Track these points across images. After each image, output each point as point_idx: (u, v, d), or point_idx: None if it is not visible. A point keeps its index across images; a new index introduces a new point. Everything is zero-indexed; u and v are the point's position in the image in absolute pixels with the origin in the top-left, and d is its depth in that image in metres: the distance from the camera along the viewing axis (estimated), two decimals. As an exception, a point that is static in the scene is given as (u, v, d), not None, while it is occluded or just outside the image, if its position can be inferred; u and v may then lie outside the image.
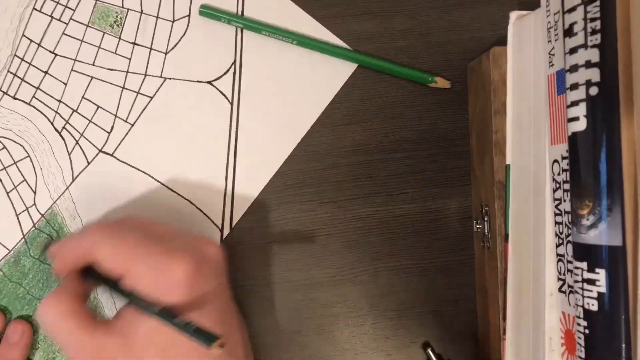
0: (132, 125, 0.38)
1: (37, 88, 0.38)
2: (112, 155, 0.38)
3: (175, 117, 0.38)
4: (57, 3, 0.38)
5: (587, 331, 0.24)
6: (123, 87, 0.38)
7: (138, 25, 0.38)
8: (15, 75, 0.38)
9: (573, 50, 0.25)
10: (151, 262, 0.28)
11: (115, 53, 0.38)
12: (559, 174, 0.27)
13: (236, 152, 0.38)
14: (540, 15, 0.29)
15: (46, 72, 0.38)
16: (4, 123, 0.38)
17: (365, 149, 0.39)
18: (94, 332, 0.28)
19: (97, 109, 0.38)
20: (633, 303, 0.23)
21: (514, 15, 0.33)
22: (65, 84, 0.38)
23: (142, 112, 0.38)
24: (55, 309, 0.29)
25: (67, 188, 0.38)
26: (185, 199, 0.38)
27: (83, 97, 0.38)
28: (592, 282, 0.24)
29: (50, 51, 0.38)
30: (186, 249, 0.30)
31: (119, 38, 0.38)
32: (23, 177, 0.38)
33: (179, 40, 0.38)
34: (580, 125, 0.24)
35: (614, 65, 0.23)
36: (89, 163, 0.38)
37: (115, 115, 0.38)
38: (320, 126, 0.39)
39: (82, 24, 0.38)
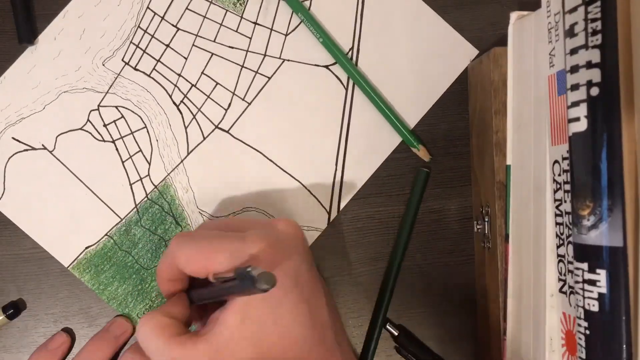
0: (249, 104, 0.38)
1: (158, 61, 0.38)
2: (227, 132, 0.38)
3: (291, 99, 0.39)
4: None
5: (587, 332, 0.24)
6: (242, 66, 0.39)
7: (260, 5, 0.39)
8: (137, 46, 0.38)
9: (574, 51, 0.25)
10: (228, 251, 0.29)
11: (236, 31, 0.39)
12: (559, 175, 0.27)
13: (348, 138, 0.39)
14: (540, 15, 0.29)
15: (168, 46, 0.38)
16: (124, 93, 0.38)
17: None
18: (185, 344, 0.28)
19: (216, 85, 0.38)
20: (634, 304, 0.23)
21: (514, 15, 0.33)
22: (186, 59, 0.38)
23: (259, 92, 0.39)
24: (147, 326, 0.29)
25: (182, 161, 0.38)
26: (296, 179, 0.38)
27: (202, 73, 0.38)
28: (592, 282, 0.24)
29: (173, 25, 0.38)
30: (260, 230, 0.30)
31: (241, 17, 0.39)
32: (139, 147, 0.38)
33: (299, 24, 0.39)
34: (581, 125, 0.24)
35: (614, 66, 0.23)
36: (204, 138, 0.38)
37: (233, 93, 0.38)
38: (321, 126, 0.39)
39: (206, 0, 0.39)
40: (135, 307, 0.38)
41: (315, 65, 0.39)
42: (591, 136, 0.24)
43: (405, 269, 0.39)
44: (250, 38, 0.39)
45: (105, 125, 0.38)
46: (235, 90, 0.38)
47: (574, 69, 0.25)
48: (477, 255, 0.38)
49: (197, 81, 0.38)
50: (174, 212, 0.38)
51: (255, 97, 0.39)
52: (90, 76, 0.38)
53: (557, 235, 0.28)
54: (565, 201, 0.27)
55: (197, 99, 0.38)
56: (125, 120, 0.38)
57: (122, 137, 0.38)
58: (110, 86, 0.38)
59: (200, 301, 0.31)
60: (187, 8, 0.39)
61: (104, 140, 0.38)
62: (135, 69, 0.38)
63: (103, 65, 0.38)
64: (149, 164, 0.38)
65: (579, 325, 0.25)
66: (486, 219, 0.36)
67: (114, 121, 0.38)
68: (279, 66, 0.39)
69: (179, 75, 0.38)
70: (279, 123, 0.39)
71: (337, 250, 0.39)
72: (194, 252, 0.29)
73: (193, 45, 0.38)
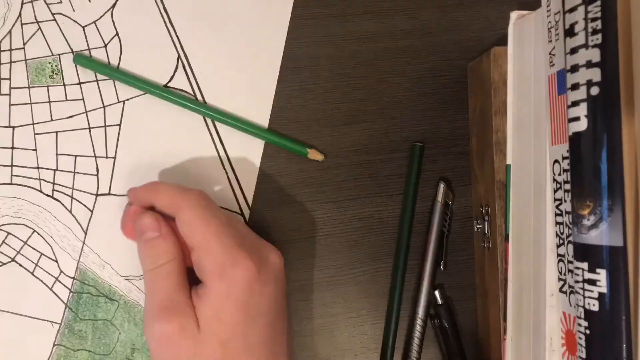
0: (115, 158, 0.38)
1: (12, 165, 0.38)
2: (109, 194, 0.38)
3: (152, 133, 0.38)
4: None
5: (587, 331, 0.24)
6: (89, 127, 0.38)
7: (76, 67, 0.38)
8: None
9: (574, 50, 0.25)
10: (223, 250, 0.30)
11: (67, 100, 0.38)
12: (559, 174, 0.27)
13: (224, 145, 0.39)
14: (540, 15, 0.29)
15: (12, 148, 0.38)
16: None
17: (365, 149, 0.39)
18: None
19: (75, 158, 0.38)
20: (634, 303, 0.23)
21: (514, 15, 0.33)
22: (35, 150, 0.38)
23: (117, 143, 0.38)
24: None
25: (84, 243, 0.38)
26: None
27: (57, 154, 0.38)
28: (592, 282, 0.24)
29: (6, 126, 0.38)
30: (253, 251, 0.31)
31: (64, 84, 0.38)
32: (39, 252, 0.37)
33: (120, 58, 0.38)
34: (581, 125, 0.24)
35: (615, 65, 0.23)
36: (92, 211, 0.38)
37: (95, 156, 0.38)
38: (320, 126, 0.39)
39: (23, 87, 0.38)
40: None
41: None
42: (591, 135, 0.24)
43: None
44: (83, 98, 0.38)
45: None
46: (95, 153, 0.38)
47: (574, 69, 0.25)
48: (477, 254, 0.38)
49: (57, 164, 0.38)
50: (102, 292, 0.37)
51: (116, 149, 0.38)
52: None
53: (557, 235, 0.28)
54: (565, 201, 0.27)
55: (65, 180, 0.38)
56: (14, 235, 0.37)
57: (19, 252, 0.37)
58: None
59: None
60: (10, 104, 0.38)
61: (3, 264, 0.37)
62: None
63: None
64: (57, 262, 0.37)
65: (579, 324, 0.25)
66: (486, 219, 0.36)
67: (3, 241, 0.37)
68: (122, 109, 0.38)
69: (37, 167, 0.38)
70: (151, 160, 0.38)
71: (337, 250, 0.39)
72: (202, 225, 0.31)
73: (35, 134, 0.38)
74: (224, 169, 0.38)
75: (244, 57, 0.39)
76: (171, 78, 0.38)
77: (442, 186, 0.38)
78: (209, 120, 0.38)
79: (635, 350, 0.23)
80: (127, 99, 0.38)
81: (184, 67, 0.38)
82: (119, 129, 0.38)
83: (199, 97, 0.38)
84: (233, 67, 0.39)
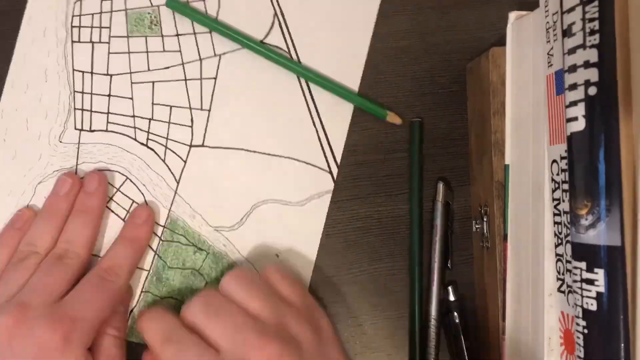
0: (209, 110, 0.38)
1: (108, 113, 0.38)
2: (203, 145, 0.38)
3: (246, 87, 0.39)
4: (92, 27, 0.38)
5: (586, 331, 0.25)
6: (185, 79, 0.38)
7: (174, 15, 0.39)
8: (82, 110, 0.38)
9: (572, 51, 0.25)
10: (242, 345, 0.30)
11: (164, 51, 0.39)
12: (557, 174, 0.27)
13: (313, 97, 0.39)
14: (539, 15, 0.29)
15: (109, 95, 0.38)
16: (92, 157, 0.38)
17: (365, 149, 0.39)
18: None
19: (171, 109, 0.38)
20: (632, 303, 0.23)
21: (513, 15, 0.33)
22: (131, 98, 0.38)
23: (212, 95, 0.38)
24: None
25: (176, 192, 0.38)
26: (286, 157, 0.38)
27: (153, 104, 0.38)
28: (591, 282, 0.24)
29: (104, 74, 0.38)
30: (277, 332, 0.30)
31: (162, 35, 0.38)
32: (131, 199, 0.38)
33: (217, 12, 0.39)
34: (579, 125, 0.24)
35: (612, 66, 0.23)
36: (185, 161, 0.38)
37: (190, 108, 0.38)
38: (320, 126, 0.39)
39: (122, 37, 0.38)
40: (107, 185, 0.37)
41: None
42: (589, 135, 0.24)
43: (404, 268, 0.39)
44: (180, 50, 0.38)
45: None
46: (190, 104, 0.38)
47: (572, 69, 0.25)
48: (476, 254, 0.38)
49: (152, 113, 0.38)
50: (192, 241, 0.38)
51: (211, 102, 0.38)
52: (54, 157, 0.38)
53: (555, 235, 0.28)
54: (563, 200, 0.27)
55: (160, 129, 0.38)
56: (107, 181, 0.38)
57: (111, 198, 0.38)
58: (77, 157, 0.38)
59: None
60: (109, 52, 0.38)
61: None
62: (91, 131, 0.38)
63: (60, 142, 0.38)
64: None
65: (578, 324, 0.25)
66: (485, 219, 0.36)
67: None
68: (218, 62, 0.39)
69: (133, 116, 0.38)
70: (244, 114, 0.39)
71: (337, 250, 0.39)
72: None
73: (132, 83, 0.38)
74: (314, 126, 0.39)
75: (337, 19, 0.39)
76: (267, 34, 0.39)
77: (441, 186, 0.38)
78: (302, 79, 0.39)
79: (633, 349, 0.23)
80: (224, 53, 0.38)
81: (279, 24, 0.39)
82: (215, 83, 0.38)
83: (293, 56, 0.39)
84: (328, 28, 0.39)
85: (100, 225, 0.36)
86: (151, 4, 0.39)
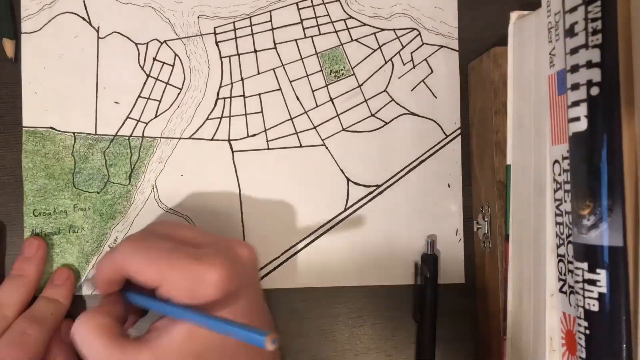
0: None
1: (238, 54, 0.38)
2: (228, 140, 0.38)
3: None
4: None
5: (587, 332, 0.24)
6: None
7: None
8: (235, 29, 0.38)
9: (574, 51, 0.25)
10: (184, 270, 0.28)
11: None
12: (559, 174, 0.27)
13: None
14: (541, 15, 0.29)
15: (256, 51, 0.38)
16: (191, 50, 0.38)
17: (365, 149, 0.39)
18: (126, 348, 0.28)
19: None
20: (634, 304, 0.23)
21: (514, 15, 0.33)
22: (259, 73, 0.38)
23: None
24: (87, 326, 0.29)
25: (180, 138, 0.38)
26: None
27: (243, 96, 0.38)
28: (592, 282, 0.24)
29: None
30: (217, 252, 0.29)
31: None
32: (161, 96, 0.38)
33: None
34: (581, 125, 0.24)
35: (615, 66, 0.23)
36: (212, 139, 0.38)
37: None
38: (321, 126, 0.39)
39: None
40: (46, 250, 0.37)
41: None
42: (591, 136, 0.24)
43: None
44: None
45: (154, 58, 0.38)
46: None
47: (574, 69, 0.25)
48: (477, 255, 0.38)
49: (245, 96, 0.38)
50: (134, 167, 0.37)
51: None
52: (180, 17, 0.38)
53: (557, 235, 0.28)
54: (565, 201, 0.27)
55: (236, 106, 0.38)
56: (171, 71, 0.38)
57: (156, 79, 0.38)
58: (186, 37, 0.38)
59: (139, 305, 0.31)
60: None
61: (142, 68, 0.38)
62: (217, 43, 0.38)
63: (197, 18, 0.38)
64: (156, 115, 0.38)
65: (579, 325, 0.25)
66: (486, 219, 0.36)
67: (163, 63, 0.38)
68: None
69: (241, 79, 0.38)
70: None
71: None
72: (147, 264, 0.28)
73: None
74: None
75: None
76: None
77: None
78: None
79: (635, 350, 0.23)
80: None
81: None
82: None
83: None
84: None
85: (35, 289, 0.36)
86: None
